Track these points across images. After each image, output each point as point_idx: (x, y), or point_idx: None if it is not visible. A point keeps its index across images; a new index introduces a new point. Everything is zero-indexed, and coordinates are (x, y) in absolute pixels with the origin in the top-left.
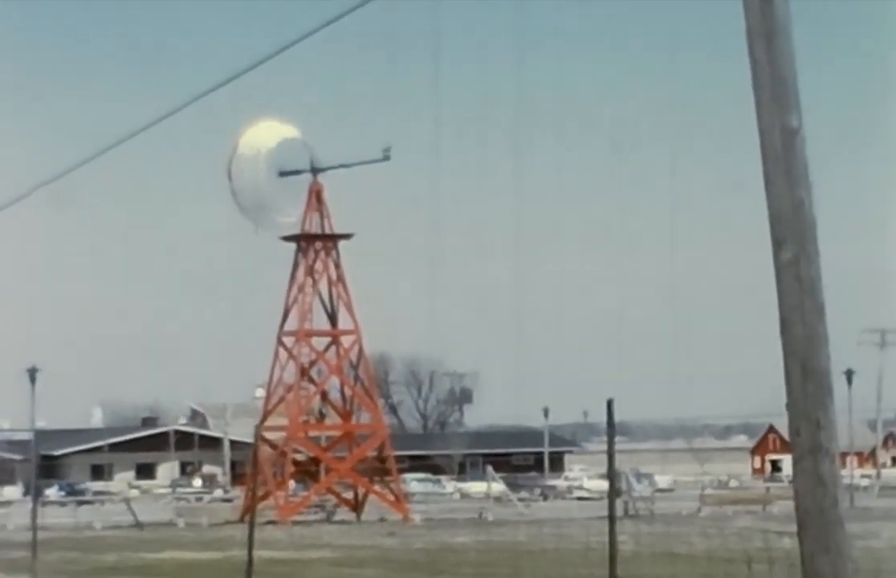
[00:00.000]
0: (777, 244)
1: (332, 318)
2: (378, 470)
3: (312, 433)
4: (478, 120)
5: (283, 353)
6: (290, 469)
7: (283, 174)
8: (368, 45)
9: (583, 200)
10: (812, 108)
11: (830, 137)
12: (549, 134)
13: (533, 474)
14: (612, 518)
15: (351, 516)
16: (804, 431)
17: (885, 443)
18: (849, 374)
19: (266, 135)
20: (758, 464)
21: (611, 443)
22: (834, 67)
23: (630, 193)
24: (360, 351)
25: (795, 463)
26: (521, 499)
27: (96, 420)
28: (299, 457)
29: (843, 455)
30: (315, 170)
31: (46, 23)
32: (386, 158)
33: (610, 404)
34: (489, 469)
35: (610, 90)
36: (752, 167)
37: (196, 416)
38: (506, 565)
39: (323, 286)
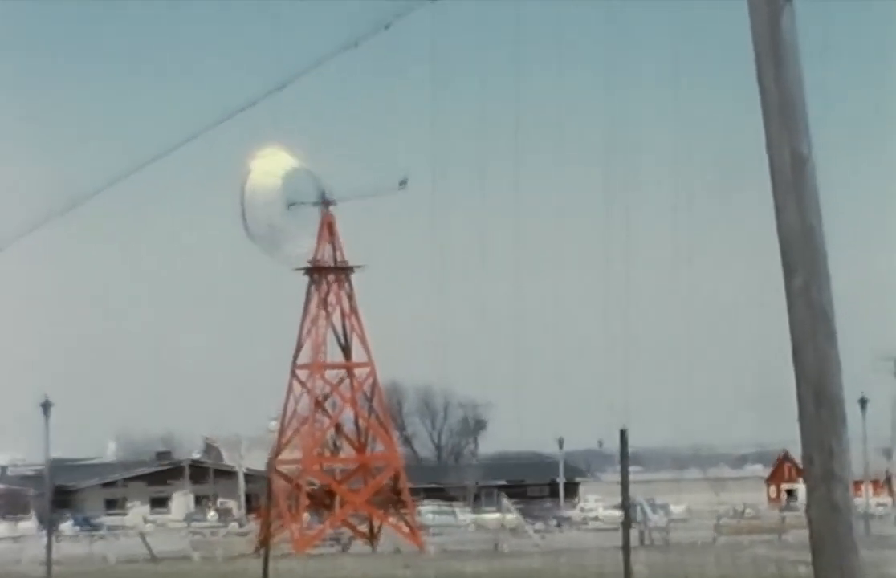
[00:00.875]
0: (788, 271)
1: (346, 350)
2: (393, 501)
3: (327, 465)
4: (490, 145)
5: (297, 386)
6: (305, 501)
7: (292, 205)
8: (379, 71)
9: (599, 226)
10: (822, 125)
11: (841, 155)
12: (563, 158)
13: (548, 504)
14: (626, 548)
15: (366, 548)
16: (817, 459)
17: None
18: (863, 401)
19: (276, 166)
20: (773, 493)
21: (625, 473)
22: (842, 77)
23: (647, 218)
24: (374, 382)
25: (809, 492)
26: (536, 530)
27: (110, 453)
28: (314, 489)
29: (858, 483)
30: (326, 202)
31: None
32: (402, 187)
33: (623, 434)
34: (504, 500)
35: (621, 106)
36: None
37: (210, 449)
38: None
39: (336, 318)
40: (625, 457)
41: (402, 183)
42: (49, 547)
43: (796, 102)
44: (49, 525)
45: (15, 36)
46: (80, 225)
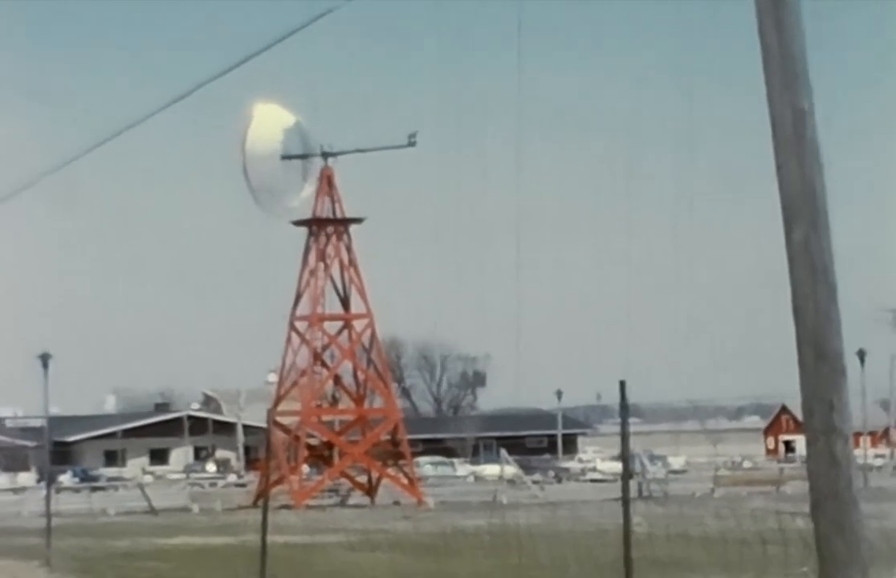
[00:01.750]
0: (789, 226)
1: (345, 303)
2: (391, 453)
3: (325, 417)
4: (491, 105)
5: (295, 338)
6: (304, 453)
7: (286, 157)
8: (383, 27)
9: (595, 184)
10: (824, 80)
11: (843, 117)
12: (562, 119)
13: (546, 456)
14: (626, 501)
15: (365, 500)
16: (818, 413)
17: None
18: (861, 354)
19: (275, 120)
20: (771, 445)
21: (624, 425)
22: (845, 46)
23: (643, 176)
24: (373, 335)
25: (809, 445)
26: (534, 482)
27: (109, 406)
28: (312, 442)
29: (857, 435)
30: (325, 154)
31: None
32: (411, 144)
33: (623, 385)
34: (503, 451)
35: (618, 82)
36: (768, 150)
37: (209, 402)
38: (521, 547)
39: (335, 270)
40: (624, 409)
41: (412, 138)
42: (48, 499)
43: (797, 57)
44: (48, 477)
45: None
46: (79, 180)
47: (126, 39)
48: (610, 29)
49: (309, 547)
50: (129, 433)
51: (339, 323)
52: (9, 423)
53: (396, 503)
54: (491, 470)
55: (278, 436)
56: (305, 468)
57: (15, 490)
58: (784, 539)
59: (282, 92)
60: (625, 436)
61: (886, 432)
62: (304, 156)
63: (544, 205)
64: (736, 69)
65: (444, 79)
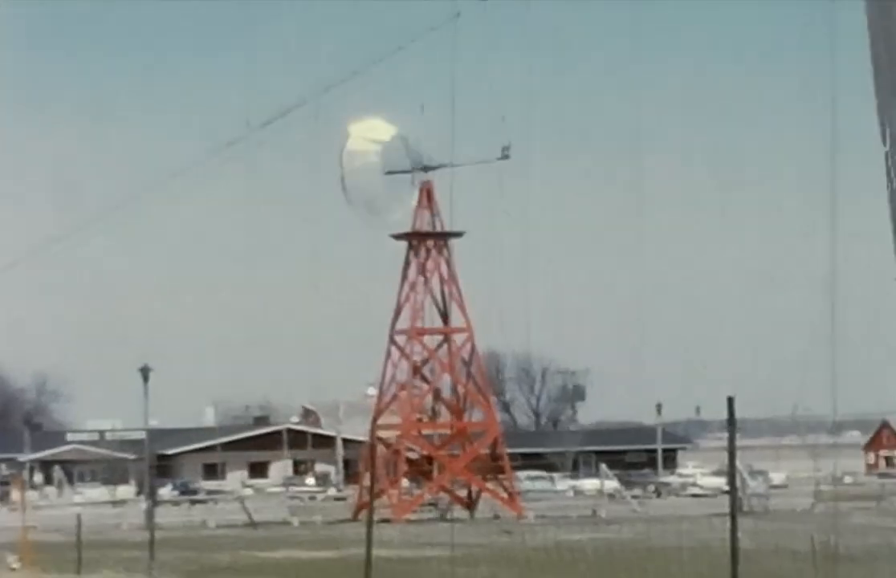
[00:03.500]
0: None
1: (445, 316)
2: (491, 467)
3: (425, 431)
4: (590, 119)
5: (395, 351)
6: (404, 467)
7: (389, 172)
8: (479, 45)
9: (698, 193)
10: None
11: None
12: (664, 129)
13: (646, 471)
14: (733, 515)
15: (464, 514)
16: None
17: None
18: None
19: (374, 134)
20: (871, 460)
21: (731, 440)
22: None
23: (745, 183)
24: (473, 348)
25: None
26: (634, 496)
27: (208, 419)
28: (412, 455)
29: None
30: (425, 168)
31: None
32: (505, 157)
33: (730, 401)
34: (603, 466)
35: (725, 82)
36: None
37: (308, 415)
38: (623, 562)
39: (435, 284)
40: (732, 424)
41: (505, 151)
42: (151, 512)
43: None
44: (151, 490)
45: None
46: (180, 194)
47: (233, 56)
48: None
49: (411, 561)
50: (228, 446)
51: (439, 337)
52: (108, 436)
53: (496, 517)
54: (591, 484)
55: (378, 450)
56: (405, 482)
57: (114, 503)
58: (892, 554)
59: (381, 106)
60: (732, 452)
61: None
62: (405, 171)
63: (642, 215)
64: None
65: (536, 88)
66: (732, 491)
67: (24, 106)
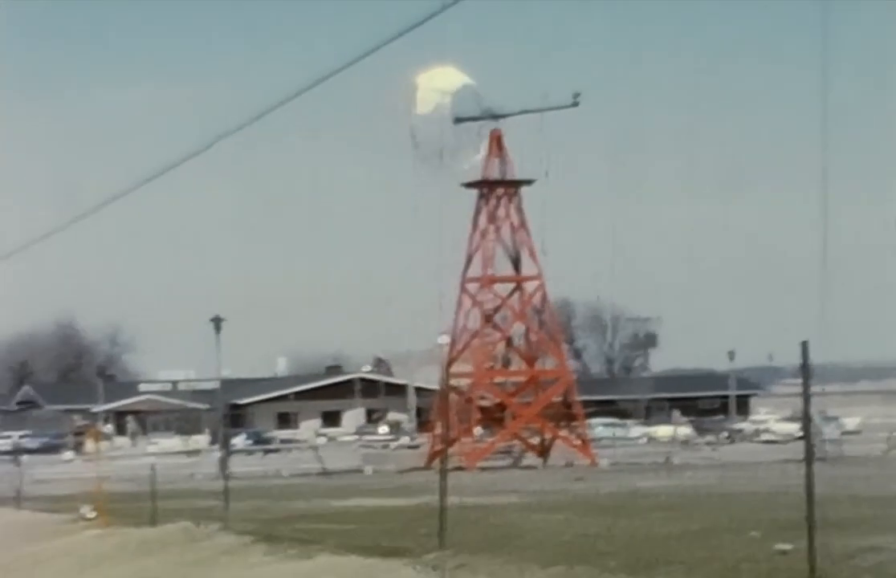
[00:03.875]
0: None
1: (516, 264)
2: (564, 415)
3: (497, 379)
4: (659, 62)
5: (466, 300)
6: (476, 415)
7: (459, 120)
8: None
9: (772, 143)
10: None
11: None
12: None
13: (719, 417)
14: (809, 460)
15: (537, 461)
16: None
17: None
18: None
19: (443, 82)
20: None
21: (806, 386)
22: None
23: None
24: (544, 296)
25: None
26: (707, 443)
27: (281, 369)
28: (485, 403)
29: None
30: (495, 116)
31: None
32: (575, 104)
33: (805, 346)
34: (676, 412)
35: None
36: None
37: (380, 364)
38: (697, 508)
39: (505, 232)
40: (806, 370)
41: (576, 98)
42: (224, 462)
43: None
44: (224, 439)
45: None
46: (249, 148)
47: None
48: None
49: (484, 508)
50: (301, 395)
51: (510, 286)
52: (181, 386)
53: (569, 464)
54: (663, 431)
55: (451, 398)
56: (478, 429)
57: (188, 453)
58: None
59: (450, 54)
60: (806, 397)
61: None
62: (475, 119)
63: (716, 163)
64: None
65: (610, 37)
66: (807, 437)
67: (100, 62)
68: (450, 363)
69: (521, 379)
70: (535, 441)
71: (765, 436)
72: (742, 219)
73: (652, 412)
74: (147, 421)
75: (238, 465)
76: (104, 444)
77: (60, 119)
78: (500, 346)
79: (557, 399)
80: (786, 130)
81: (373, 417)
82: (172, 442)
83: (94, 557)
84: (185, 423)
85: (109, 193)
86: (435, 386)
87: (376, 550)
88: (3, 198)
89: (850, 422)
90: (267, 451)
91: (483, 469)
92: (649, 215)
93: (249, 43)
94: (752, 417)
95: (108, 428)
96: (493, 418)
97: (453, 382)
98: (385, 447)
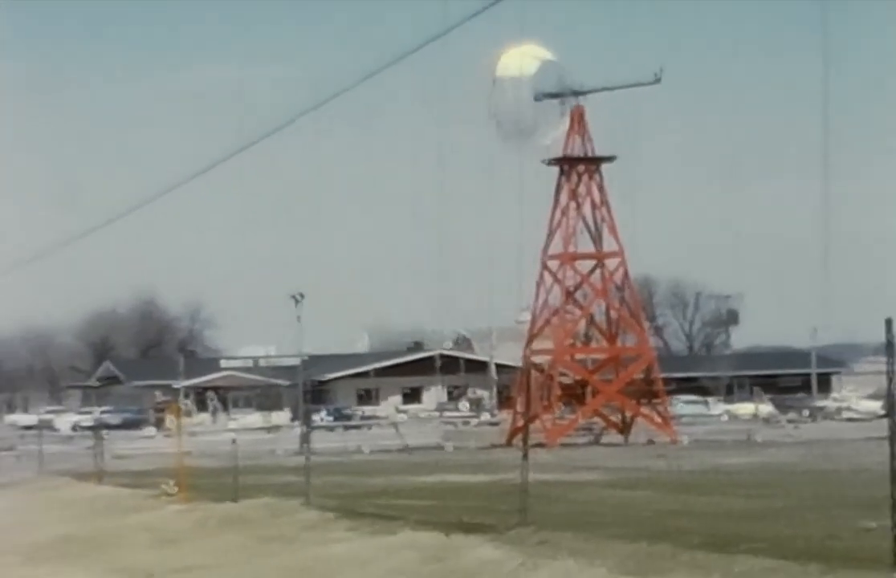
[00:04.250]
0: None
1: (596, 241)
2: (645, 392)
3: (578, 356)
4: (739, 37)
5: (547, 277)
6: (557, 392)
7: (539, 97)
8: None
9: (856, 115)
10: None
11: None
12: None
13: (800, 395)
14: (892, 439)
15: (618, 438)
16: None
17: None
18: None
19: (524, 59)
20: None
21: (890, 363)
22: None
23: None
24: (625, 273)
25: None
26: (789, 420)
27: (362, 345)
28: (566, 380)
29: None
30: (576, 93)
31: None
32: (657, 81)
33: (889, 323)
34: (757, 390)
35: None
36: None
37: (461, 341)
38: (779, 486)
39: (586, 209)
40: (890, 346)
41: (658, 75)
42: (306, 437)
43: None
44: (305, 415)
45: None
46: (327, 119)
47: None
48: None
49: (566, 485)
50: (382, 372)
51: (591, 262)
52: (262, 363)
53: (650, 441)
54: (745, 408)
55: (532, 375)
56: (559, 406)
57: (268, 429)
58: None
59: (531, 31)
60: (890, 375)
61: None
62: (557, 96)
63: (797, 138)
64: None
65: (688, 14)
66: (891, 414)
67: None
68: (531, 340)
69: (602, 356)
70: (616, 418)
71: (847, 414)
72: (825, 195)
73: (734, 389)
74: (228, 397)
75: (319, 441)
76: (185, 420)
77: (141, 98)
78: (582, 323)
79: (638, 376)
80: (874, 109)
81: (453, 394)
82: (253, 419)
83: (176, 532)
84: (265, 400)
85: (192, 169)
86: (516, 363)
87: (458, 526)
88: (88, 175)
89: None
90: (347, 427)
91: (564, 446)
92: (733, 191)
93: (325, 25)
94: (834, 395)
95: (189, 404)
96: (573, 395)
97: (534, 359)
98: (466, 424)
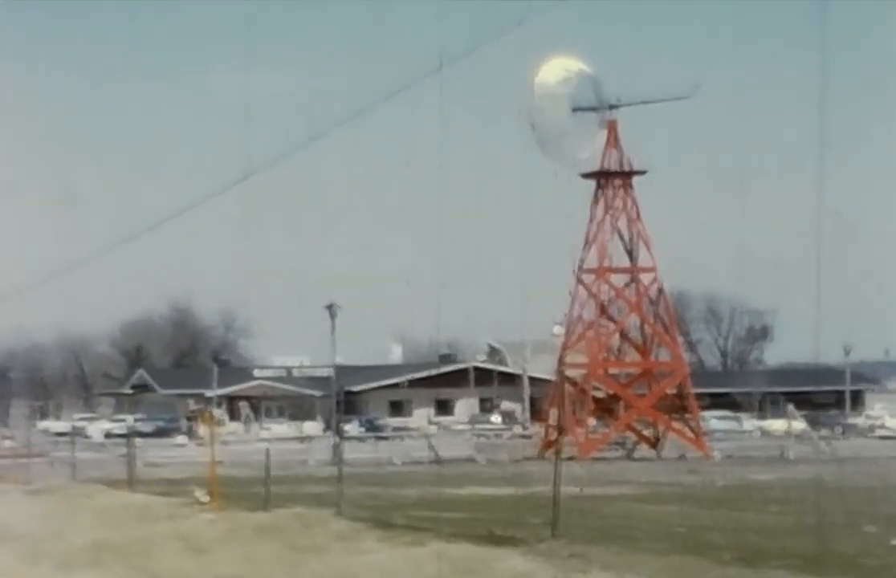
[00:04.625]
0: None
1: (631, 256)
2: (678, 407)
3: (612, 370)
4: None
5: (581, 291)
6: (590, 405)
7: (577, 109)
8: None
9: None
10: None
11: None
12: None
13: (833, 412)
14: None
15: (650, 453)
16: None
17: None
18: None
19: (562, 71)
20: None
21: None
22: None
23: None
24: (660, 288)
25: None
26: (822, 437)
27: (395, 356)
28: (598, 394)
29: None
30: (612, 106)
31: None
32: (693, 94)
33: None
34: (790, 406)
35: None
36: None
37: (494, 353)
38: (811, 502)
39: (622, 223)
40: None
41: (694, 89)
42: (339, 448)
43: None
44: (338, 426)
45: None
46: (364, 131)
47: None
48: None
49: (597, 499)
50: (414, 383)
51: (626, 277)
52: (295, 373)
53: (682, 456)
54: (777, 425)
55: (565, 389)
56: (591, 420)
57: (301, 439)
58: None
59: (567, 44)
60: None
61: None
62: (594, 109)
63: (830, 151)
64: None
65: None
66: None
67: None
68: (563, 353)
69: (636, 370)
70: (649, 432)
71: (879, 432)
72: (859, 212)
73: (766, 405)
74: (260, 406)
75: (350, 452)
76: (217, 429)
77: (178, 100)
78: (615, 337)
79: (672, 391)
80: None
81: (486, 406)
82: (286, 428)
83: (208, 541)
84: (298, 409)
85: (228, 178)
86: (549, 376)
87: (489, 538)
88: (132, 179)
89: None
90: (379, 438)
91: (596, 460)
92: (767, 206)
93: (364, 36)
94: (867, 412)
95: (222, 413)
96: (606, 409)
97: (567, 372)
98: (498, 436)
